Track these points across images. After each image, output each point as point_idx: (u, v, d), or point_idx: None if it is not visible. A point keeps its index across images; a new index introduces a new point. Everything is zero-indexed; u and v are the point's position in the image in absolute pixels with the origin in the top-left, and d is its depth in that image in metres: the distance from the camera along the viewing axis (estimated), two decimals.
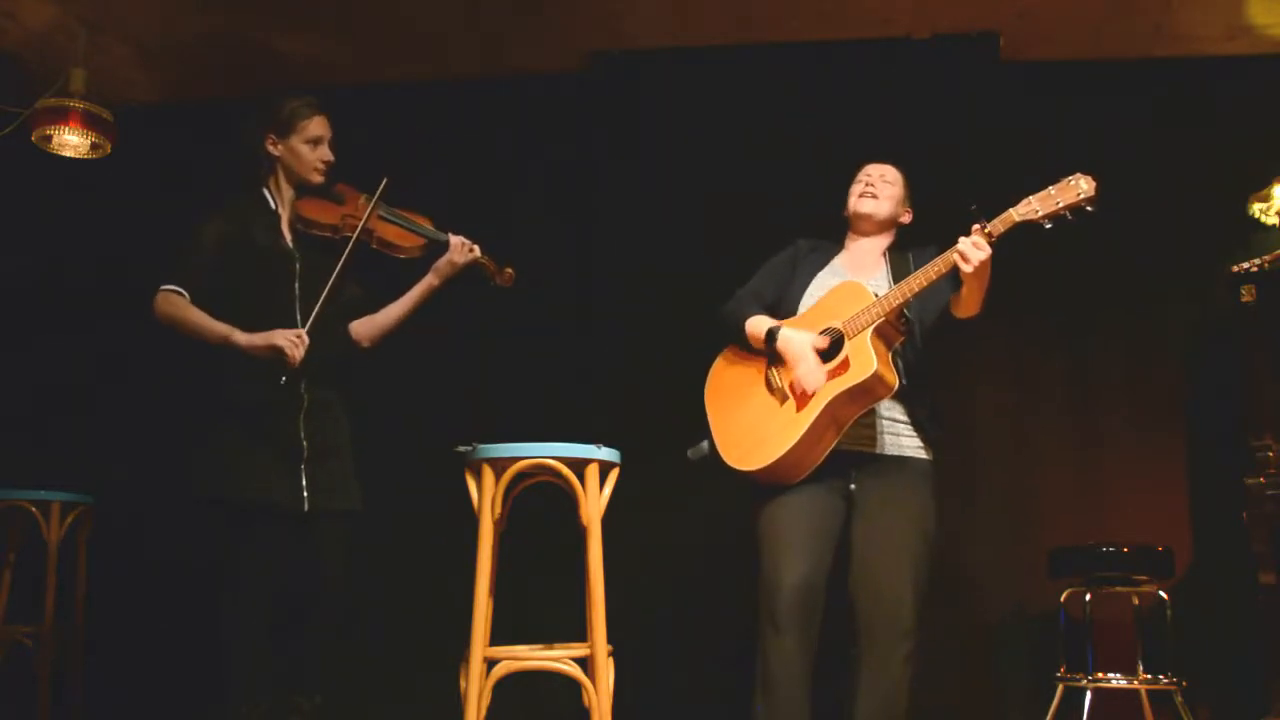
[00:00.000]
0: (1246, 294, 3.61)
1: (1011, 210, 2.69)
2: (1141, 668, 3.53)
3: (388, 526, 3.44)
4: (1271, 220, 3.93)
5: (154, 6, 4.06)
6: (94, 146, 4.16)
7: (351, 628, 3.21)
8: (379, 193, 2.98)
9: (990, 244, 2.66)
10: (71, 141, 4.13)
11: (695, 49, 4.29)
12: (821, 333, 2.89)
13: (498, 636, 2.73)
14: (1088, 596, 3.54)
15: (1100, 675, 3.49)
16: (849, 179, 3.23)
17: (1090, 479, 4.00)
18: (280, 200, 3.03)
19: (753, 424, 2.95)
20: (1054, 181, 2.81)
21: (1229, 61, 4.16)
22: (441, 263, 3.03)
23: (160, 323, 2.90)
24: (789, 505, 2.90)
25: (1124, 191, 4.08)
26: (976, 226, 2.67)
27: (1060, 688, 3.54)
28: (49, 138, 4.11)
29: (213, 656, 2.96)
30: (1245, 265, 3.63)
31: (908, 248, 3.10)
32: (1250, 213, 3.96)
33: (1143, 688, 3.54)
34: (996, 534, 3.93)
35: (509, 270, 3.13)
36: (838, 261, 3.16)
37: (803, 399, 2.84)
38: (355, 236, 2.94)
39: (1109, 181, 4.08)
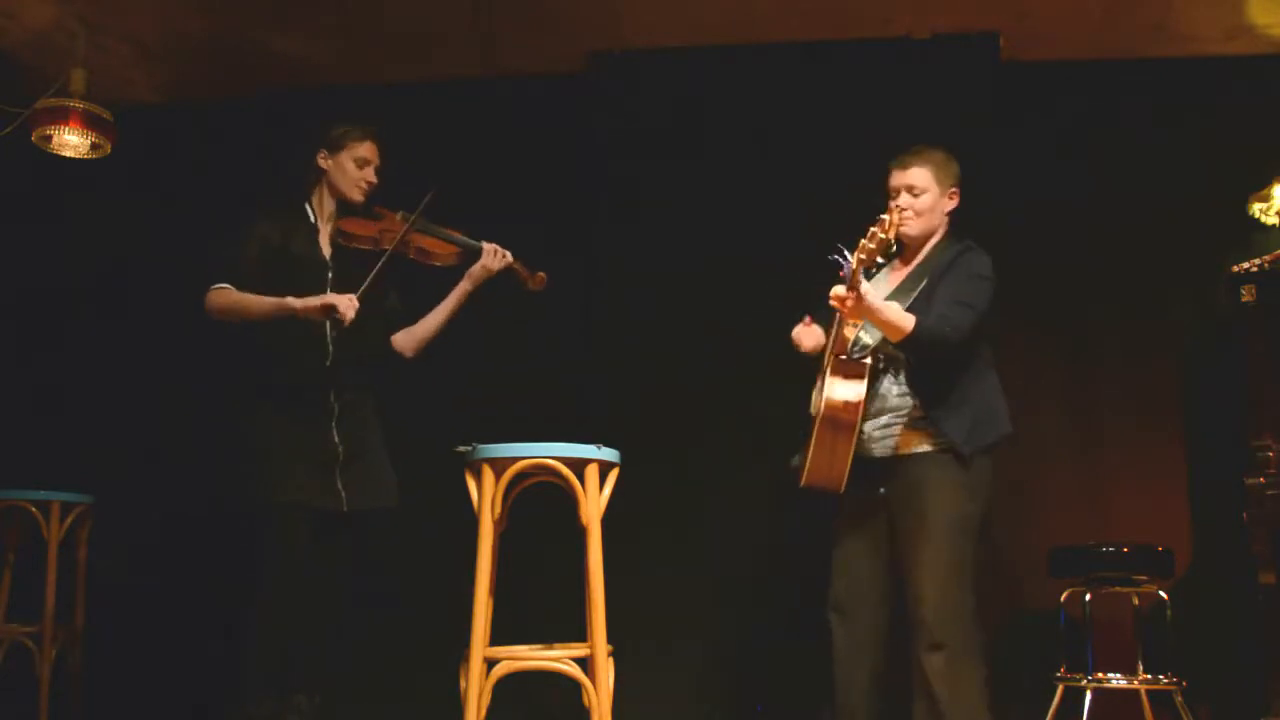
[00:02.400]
0: (1246, 294, 3.61)
1: (853, 255, 2.71)
2: (1141, 668, 3.53)
3: (388, 526, 3.43)
4: (1271, 220, 3.93)
5: (154, 6, 4.05)
6: (94, 146, 4.16)
7: (354, 628, 3.23)
8: (420, 209, 3.16)
9: (851, 287, 2.71)
10: (71, 141, 4.12)
11: (695, 49, 4.28)
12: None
13: (498, 636, 2.73)
14: (1088, 596, 3.53)
15: (1100, 675, 3.48)
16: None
17: (1090, 479, 4.00)
18: (320, 214, 3.19)
19: (806, 445, 3.08)
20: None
21: (1229, 61, 4.16)
22: (475, 268, 3.20)
23: (214, 317, 3.04)
24: (838, 530, 3.11)
25: (1124, 191, 4.11)
26: (841, 274, 2.74)
27: (1060, 688, 3.53)
28: (49, 138, 4.11)
29: (212, 656, 2.97)
30: (1245, 265, 3.62)
31: (950, 241, 3.08)
32: (1250, 213, 3.96)
33: (1143, 688, 3.53)
34: (996, 534, 3.93)
35: (540, 275, 3.28)
36: (891, 266, 3.17)
37: (813, 425, 2.98)
38: (396, 241, 3.11)
39: (1109, 181, 4.12)
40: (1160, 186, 4.08)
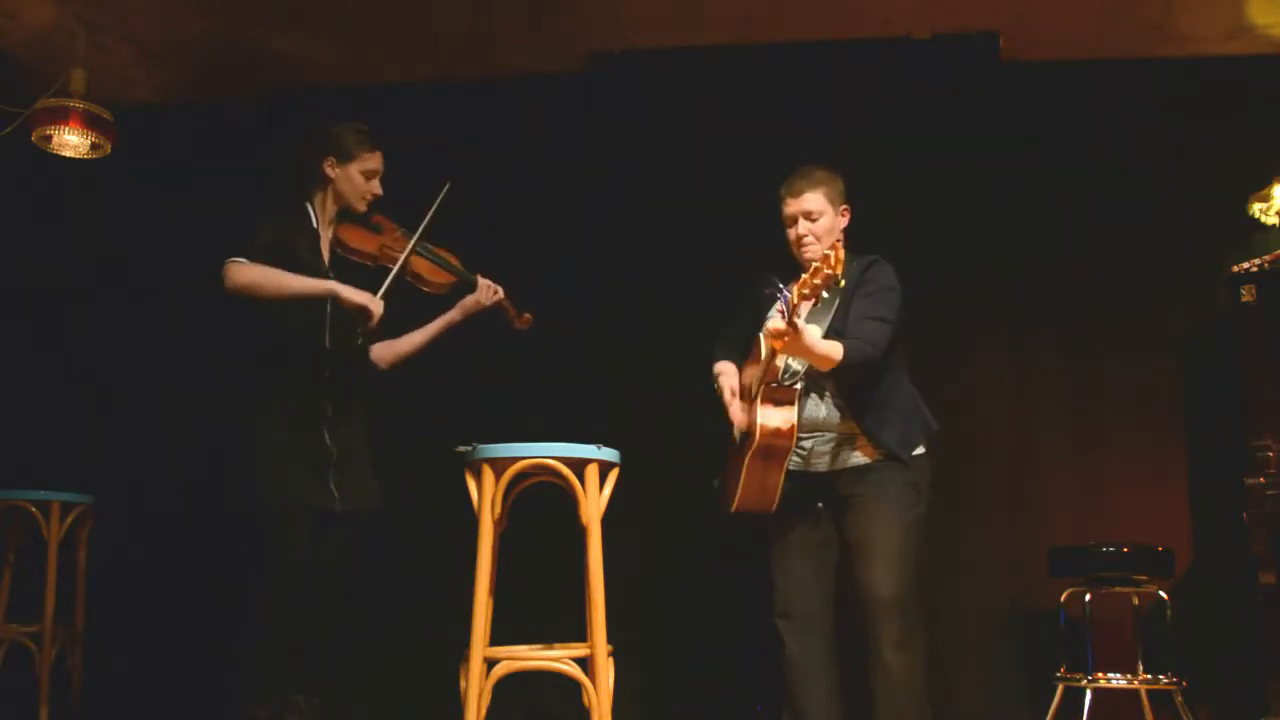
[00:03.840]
0: (1246, 294, 3.61)
1: (794, 287, 2.71)
2: (1141, 668, 3.53)
3: (388, 526, 3.44)
4: (1271, 220, 3.93)
5: (154, 6, 4.06)
6: (94, 146, 4.16)
7: (354, 628, 3.23)
8: (421, 229, 3.14)
9: (789, 321, 2.70)
10: (71, 141, 4.12)
11: (695, 49, 4.28)
12: (747, 393, 3.13)
13: (498, 636, 2.73)
14: (1088, 596, 3.53)
15: (1100, 675, 3.49)
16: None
17: (1090, 479, 3.99)
18: (322, 218, 3.17)
19: (730, 472, 3.18)
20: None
21: (1229, 61, 4.16)
22: (468, 301, 3.23)
23: (232, 291, 2.94)
24: (776, 543, 3.17)
25: (1125, 191, 4.11)
26: (779, 307, 2.74)
27: (1060, 688, 3.54)
28: (49, 138, 4.11)
29: (212, 657, 2.97)
30: (1245, 265, 3.63)
31: (852, 256, 3.08)
32: (1250, 213, 3.95)
33: (1143, 688, 3.53)
34: (996, 534, 3.93)
35: (527, 316, 3.30)
36: (784, 287, 3.18)
37: (740, 455, 3.05)
38: (398, 269, 3.11)
39: (1109, 181, 4.12)
40: (1160, 186, 4.07)
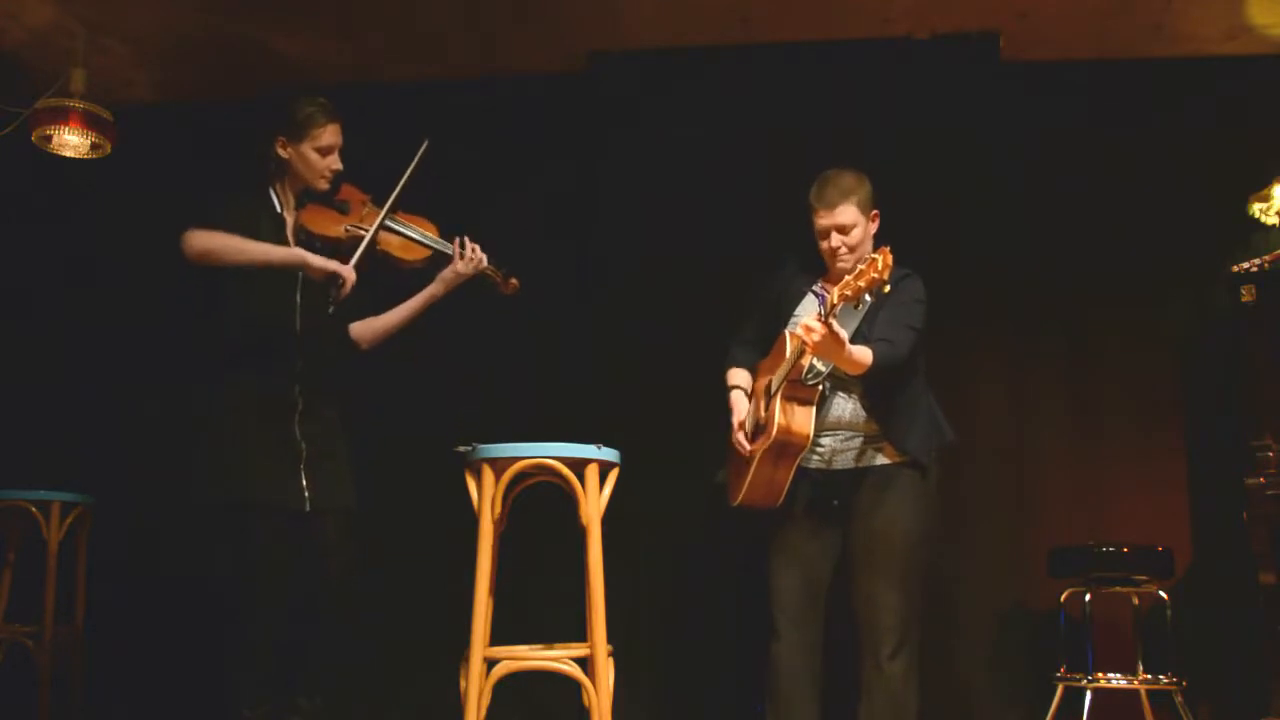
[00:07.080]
0: (1246, 294, 3.61)
1: (835, 289, 2.72)
2: (1141, 668, 3.53)
3: (388, 526, 3.44)
4: (1271, 220, 3.93)
5: (154, 6, 4.05)
6: (94, 146, 4.16)
7: (353, 628, 3.22)
8: (387, 206, 2.97)
9: (825, 323, 2.70)
10: (71, 141, 4.13)
11: (695, 49, 4.28)
12: (764, 390, 3.10)
13: (498, 636, 2.73)
14: (1087, 596, 3.54)
15: (1100, 675, 3.49)
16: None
17: (1090, 479, 4.00)
18: (285, 204, 3.02)
19: (736, 465, 3.19)
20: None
21: (1229, 61, 4.16)
22: (447, 272, 3.05)
23: (192, 257, 2.81)
24: (785, 537, 3.14)
25: (1124, 191, 4.11)
26: (817, 309, 2.78)
27: (1060, 688, 3.54)
28: (49, 138, 4.11)
29: (213, 657, 2.97)
30: (1245, 265, 3.63)
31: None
32: (1250, 213, 3.95)
33: (1143, 688, 3.54)
34: (996, 534, 3.93)
35: (514, 280, 3.14)
36: (819, 287, 3.21)
37: (751, 452, 3.08)
38: (369, 238, 2.92)
39: (1109, 181, 4.12)
40: (1160, 186, 4.07)
